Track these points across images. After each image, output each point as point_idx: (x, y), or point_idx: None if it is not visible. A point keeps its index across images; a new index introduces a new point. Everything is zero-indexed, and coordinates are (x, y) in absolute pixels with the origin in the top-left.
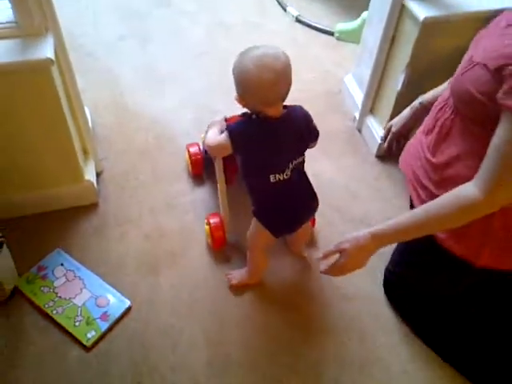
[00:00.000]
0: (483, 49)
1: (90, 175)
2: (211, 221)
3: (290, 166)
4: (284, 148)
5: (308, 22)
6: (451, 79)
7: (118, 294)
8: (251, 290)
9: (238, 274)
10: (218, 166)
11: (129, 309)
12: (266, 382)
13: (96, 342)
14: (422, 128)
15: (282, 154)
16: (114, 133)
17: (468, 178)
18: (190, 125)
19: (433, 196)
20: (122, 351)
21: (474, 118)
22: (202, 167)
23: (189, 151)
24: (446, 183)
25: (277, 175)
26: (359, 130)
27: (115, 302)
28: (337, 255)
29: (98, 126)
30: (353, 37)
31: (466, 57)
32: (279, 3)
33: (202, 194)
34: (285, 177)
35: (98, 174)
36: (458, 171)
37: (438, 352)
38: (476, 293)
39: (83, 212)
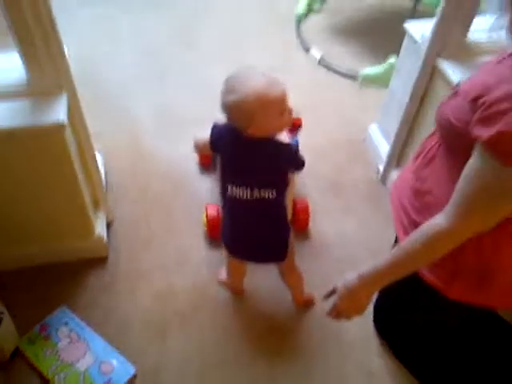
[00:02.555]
0: (471, 79)
1: (100, 228)
2: (208, 212)
3: (254, 192)
4: (247, 167)
5: (331, 65)
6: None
7: (123, 359)
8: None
9: (223, 272)
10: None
11: (134, 376)
12: None
13: None
14: (412, 155)
15: (244, 170)
16: (128, 179)
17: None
18: (209, 179)
19: (413, 222)
20: None
21: (455, 147)
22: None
23: (207, 212)
24: (426, 210)
25: (234, 188)
26: (383, 183)
27: (120, 368)
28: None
29: (111, 172)
30: (378, 82)
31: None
32: (302, 45)
33: (217, 248)
34: (241, 195)
35: (109, 224)
36: (437, 200)
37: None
38: (463, 327)
39: (92, 266)
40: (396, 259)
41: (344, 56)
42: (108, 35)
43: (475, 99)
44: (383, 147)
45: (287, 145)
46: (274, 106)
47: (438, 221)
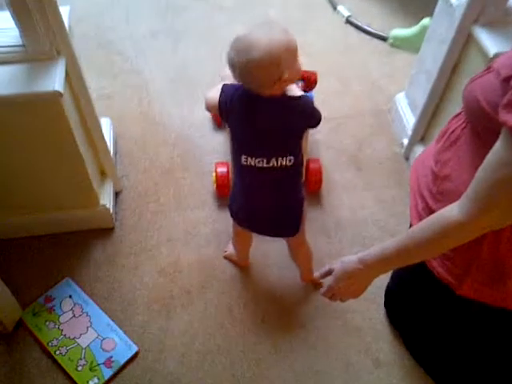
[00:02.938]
0: (507, 54)
1: (106, 199)
2: (218, 170)
3: (271, 161)
4: (264, 131)
5: (359, 24)
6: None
7: (126, 338)
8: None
9: (230, 247)
10: None
11: (135, 354)
12: None
13: None
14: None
15: (260, 137)
16: (138, 147)
17: None
18: (222, 140)
19: (428, 209)
20: None
21: (481, 130)
22: (228, 189)
23: (216, 171)
24: (443, 197)
25: (249, 158)
26: (406, 158)
27: (121, 346)
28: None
29: (121, 139)
30: (409, 45)
31: None
32: (329, 1)
33: (226, 223)
34: (257, 164)
35: (117, 194)
36: (457, 187)
37: (428, 370)
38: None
39: (98, 237)
40: (403, 247)
41: (374, 16)
42: None
43: (507, 79)
44: (409, 120)
45: (302, 97)
46: (297, 51)
47: (453, 211)
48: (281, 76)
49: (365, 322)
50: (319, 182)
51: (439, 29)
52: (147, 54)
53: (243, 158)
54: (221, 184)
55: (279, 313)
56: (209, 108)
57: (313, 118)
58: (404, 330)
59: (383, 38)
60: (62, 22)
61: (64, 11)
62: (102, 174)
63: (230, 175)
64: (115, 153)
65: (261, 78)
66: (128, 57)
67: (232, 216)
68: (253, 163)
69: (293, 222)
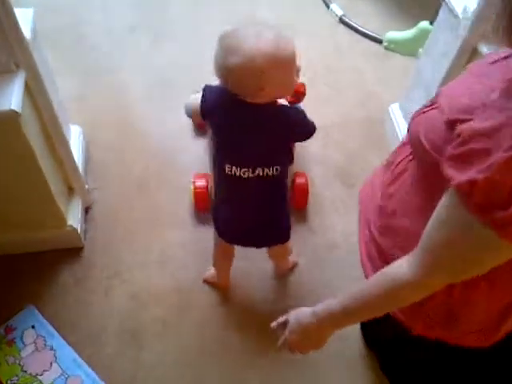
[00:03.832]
0: (453, 88)
1: (74, 219)
2: (197, 183)
3: (256, 170)
4: (249, 140)
5: (353, 24)
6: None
7: (93, 375)
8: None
9: (210, 272)
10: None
11: None
12: None
13: None
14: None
15: (245, 145)
16: (112, 156)
17: (413, 236)
18: (203, 148)
19: (375, 241)
20: None
21: (427, 171)
22: (207, 204)
23: (195, 184)
24: (389, 233)
25: (233, 167)
26: None
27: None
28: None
29: (93, 146)
30: (405, 49)
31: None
32: None
33: (204, 245)
34: (242, 175)
35: (87, 208)
36: (403, 225)
37: None
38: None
39: (65, 258)
40: (354, 304)
41: (368, 16)
42: None
43: (450, 123)
44: (404, 133)
45: (294, 108)
46: (288, 65)
47: (402, 269)
48: (262, 88)
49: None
50: (305, 197)
51: (440, 41)
52: (124, 51)
53: (227, 167)
54: (199, 198)
55: (262, 342)
56: (190, 112)
57: (302, 132)
58: (380, 353)
59: (378, 40)
60: (19, 30)
61: (26, 15)
62: (70, 190)
63: (210, 188)
64: (86, 162)
65: (241, 84)
66: (104, 53)
67: (216, 229)
68: (237, 173)
69: (283, 229)
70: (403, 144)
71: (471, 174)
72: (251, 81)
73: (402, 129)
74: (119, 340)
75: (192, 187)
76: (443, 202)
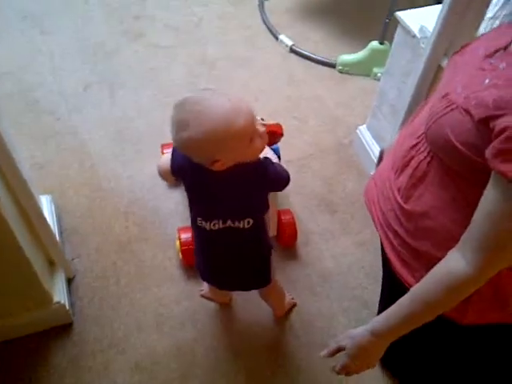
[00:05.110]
0: (461, 86)
1: (59, 294)
2: (182, 236)
3: (227, 223)
4: (217, 197)
5: (304, 52)
6: (427, 120)
7: None
8: None
9: (206, 285)
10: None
11: None
12: None
13: None
14: (388, 162)
15: (214, 201)
16: (87, 222)
17: (451, 232)
18: (180, 199)
19: (408, 247)
20: None
21: (459, 171)
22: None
23: (180, 237)
24: (425, 234)
25: (203, 222)
26: None
27: None
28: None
29: (65, 214)
30: (359, 69)
31: (440, 88)
32: (270, 31)
33: (199, 297)
34: (213, 227)
35: (70, 280)
36: (439, 223)
37: None
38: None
39: (55, 337)
40: (412, 312)
41: (318, 42)
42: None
43: (485, 120)
44: (376, 152)
45: (262, 163)
46: (244, 135)
47: (459, 267)
48: (216, 160)
49: None
50: (294, 234)
51: (400, 61)
52: (81, 109)
53: (198, 220)
54: (186, 252)
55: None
56: (162, 175)
57: (275, 184)
58: (399, 371)
59: (331, 65)
60: None
61: None
62: (51, 264)
63: None
64: (60, 233)
65: (196, 156)
66: (60, 115)
67: (201, 276)
68: (207, 227)
69: (263, 274)
70: (408, 148)
71: None
72: (203, 154)
73: (373, 149)
74: None
75: (178, 243)
76: (494, 197)
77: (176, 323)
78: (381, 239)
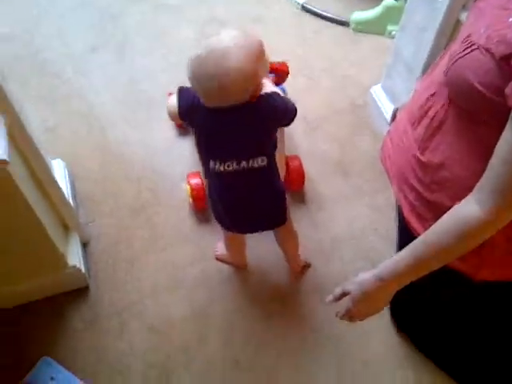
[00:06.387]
0: (485, 27)
1: (75, 259)
2: (192, 181)
3: (241, 163)
4: (230, 134)
5: (317, 10)
6: (447, 63)
7: None
8: None
9: (221, 247)
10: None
11: None
12: None
13: None
14: (405, 115)
15: (227, 140)
16: (99, 186)
17: (468, 182)
18: (191, 160)
19: (423, 200)
20: None
21: (475, 112)
22: (205, 201)
23: (190, 182)
24: (441, 186)
25: (217, 163)
26: None
27: None
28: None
29: (78, 180)
30: (373, 28)
31: (461, 34)
32: None
33: (213, 258)
34: (227, 168)
35: (85, 245)
36: (456, 173)
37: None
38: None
39: (72, 300)
40: (422, 256)
41: (331, 0)
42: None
43: (505, 58)
44: (390, 113)
45: (270, 95)
46: (264, 56)
47: (473, 211)
48: (246, 89)
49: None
50: (302, 179)
51: (416, 16)
52: (89, 72)
53: (211, 163)
54: (197, 196)
55: (294, 352)
56: (172, 117)
57: (284, 116)
58: (413, 331)
59: (344, 23)
60: None
61: None
62: (66, 229)
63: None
64: (74, 198)
65: (236, 92)
66: (68, 78)
67: (220, 224)
68: (222, 169)
69: (280, 212)
70: (425, 98)
71: None
72: (249, 83)
73: (387, 109)
74: (145, 377)
75: (188, 187)
76: (508, 137)
77: (190, 285)
78: (396, 195)
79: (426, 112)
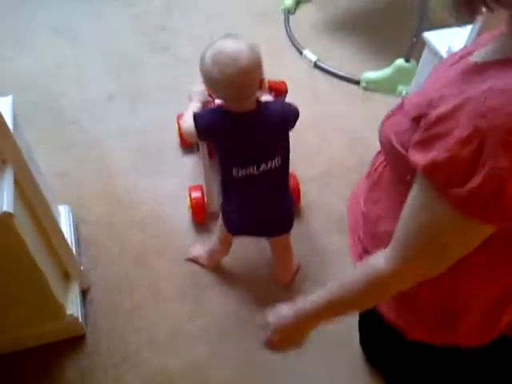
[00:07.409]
0: (415, 95)
1: (73, 306)
2: (193, 194)
3: (261, 166)
4: (251, 143)
5: (328, 68)
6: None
7: None
8: None
9: (198, 248)
10: (201, 142)
11: None
12: None
13: None
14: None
15: (249, 148)
16: (104, 233)
17: None
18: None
19: (366, 252)
20: None
21: (399, 172)
22: (203, 214)
23: (190, 195)
24: (380, 241)
25: (239, 170)
26: None
27: None
28: None
29: (83, 224)
30: (384, 87)
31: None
32: (294, 45)
33: (212, 314)
34: (248, 173)
35: (85, 291)
36: (389, 229)
37: None
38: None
39: (68, 349)
40: (335, 297)
41: (342, 58)
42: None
43: (417, 119)
44: None
45: (277, 100)
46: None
47: (379, 262)
48: (262, 78)
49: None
50: (297, 197)
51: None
52: (104, 120)
53: (234, 170)
54: (196, 209)
55: None
56: (188, 138)
57: (292, 117)
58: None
59: (355, 82)
60: (4, 124)
61: (5, 103)
62: (66, 276)
63: (206, 199)
64: (77, 242)
65: (249, 84)
66: (83, 126)
67: (230, 231)
68: (244, 173)
69: (289, 218)
70: (378, 152)
71: (432, 154)
72: (258, 74)
73: None
74: None
75: (188, 199)
76: (412, 192)
77: (189, 340)
78: (350, 246)
79: (374, 164)
